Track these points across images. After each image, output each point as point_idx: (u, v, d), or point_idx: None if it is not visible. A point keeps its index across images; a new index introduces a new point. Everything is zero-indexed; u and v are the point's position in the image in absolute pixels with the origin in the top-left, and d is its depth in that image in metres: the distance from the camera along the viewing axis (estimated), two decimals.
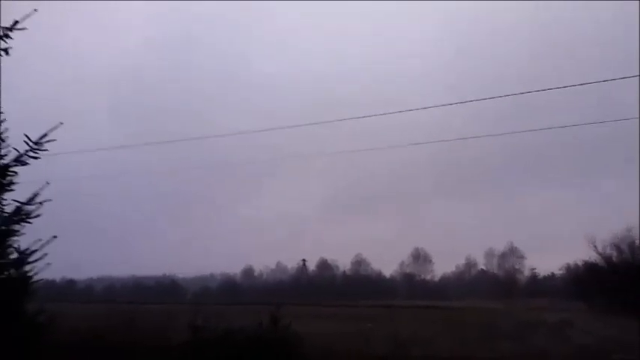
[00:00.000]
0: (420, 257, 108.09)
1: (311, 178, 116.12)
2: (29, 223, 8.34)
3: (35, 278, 8.34)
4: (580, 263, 57.11)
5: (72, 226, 71.04)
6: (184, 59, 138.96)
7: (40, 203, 8.38)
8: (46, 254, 8.25)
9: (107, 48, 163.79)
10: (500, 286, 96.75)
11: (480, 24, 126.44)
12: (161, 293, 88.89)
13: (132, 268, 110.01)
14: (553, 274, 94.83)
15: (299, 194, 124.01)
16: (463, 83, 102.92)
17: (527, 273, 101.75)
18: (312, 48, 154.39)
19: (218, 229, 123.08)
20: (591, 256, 46.45)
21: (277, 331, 12.34)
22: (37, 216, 8.39)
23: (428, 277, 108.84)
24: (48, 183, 8.50)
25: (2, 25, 8.04)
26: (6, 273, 8.11)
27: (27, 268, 8.23)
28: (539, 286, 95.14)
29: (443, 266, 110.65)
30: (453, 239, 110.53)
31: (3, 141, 8.39)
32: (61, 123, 8.61)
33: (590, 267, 48.99)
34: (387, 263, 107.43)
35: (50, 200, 8.38)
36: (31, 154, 8.40)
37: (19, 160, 8.34)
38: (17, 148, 8.32)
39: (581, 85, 17.53)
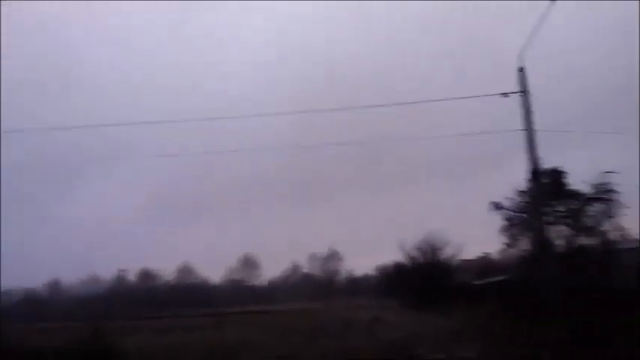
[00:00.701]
0: (248, 263, 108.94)
1: (130, 180, 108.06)
2: None
3: None
4: (389, 264, 62.98)
5: None
6: None
7: None
8: None
9: None
10: (322, 288, 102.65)
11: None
12: None
13: None
14: (367, 275, 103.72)
15: (117, 198, 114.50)
16: (290, 93, 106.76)
17: (344, 274, 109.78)
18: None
19: (17, 237, 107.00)
20: (401, 257, 51.32)
21: (95, 348, 11.24)
22: None
23: (256, 283, 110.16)
24: None
25: None
26: None
27: None
28: (357, 286, 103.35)
29: (270, 271, 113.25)
30: (281, 244, 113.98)
31: None
32: None
33: (397, 267, 54.44)
34: (215, 270, 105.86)
35: None
36: None
37: None
38: None
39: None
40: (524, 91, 14.26)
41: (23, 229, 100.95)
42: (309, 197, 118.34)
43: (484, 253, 59.70)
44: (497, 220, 22.94)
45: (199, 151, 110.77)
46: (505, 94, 14.34)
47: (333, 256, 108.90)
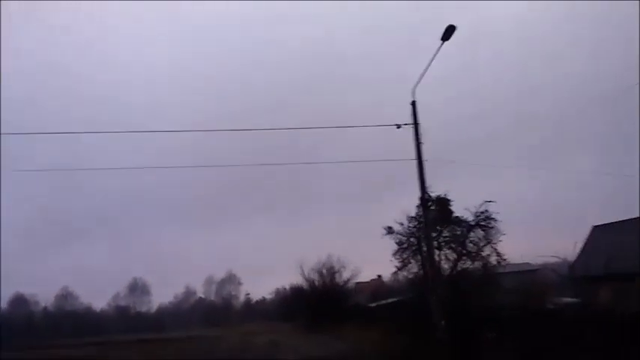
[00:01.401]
0: (137, 288, 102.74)
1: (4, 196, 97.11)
2: None
3: None
4: (288, 287, 62.95)
5: None
6: None
7: None
8: None
9: None
10: (218, 313, 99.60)
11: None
12: None
13: None
14: (264, 298, 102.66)
15: None
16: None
17: (242, 298, 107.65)
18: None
19: None
20: (299, 280, 51.50)
21: None
22: None
23: (144, 310, 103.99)
24: None
25: None
26: None
27: None
28: (253, 310, 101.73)
29: (161, 296, 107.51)
30: (173, 268, 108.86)
31: None
32: None
33: (295, 290, 54.54)
34: (99, 296, 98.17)
35: None
36: None
37: None
38: None
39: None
40: (415, 124, 15.12)
41: None
42: (207, 219, 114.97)
43: (378, 275, 61.95)
44: (390, 244, 23.87)
45: (84, 166, 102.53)
46: (398, 126, 15.11)
47: (230, 280, 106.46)
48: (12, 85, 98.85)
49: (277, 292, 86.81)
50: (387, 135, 15.50)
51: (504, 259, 21.72)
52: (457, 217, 22.40)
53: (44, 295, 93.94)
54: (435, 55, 13.90)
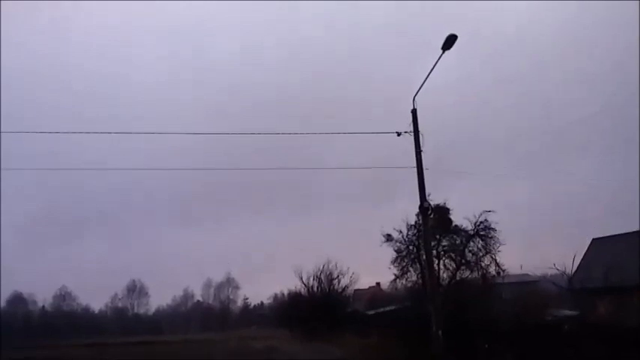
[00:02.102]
0: (135, 290, 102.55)
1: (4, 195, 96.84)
2: None
3: None
4: (286, 293, 62.63)
5: None
6: None
7: None
8: None
9: None
10: (216, 317, 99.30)
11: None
12: None
13: None
14: (262, 303, 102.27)
15: None
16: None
17: (240, 303, 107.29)
18: None
19: None
20: (297, 286, 51.22)
21: None
22: None
23: (142, 311, 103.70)
24: None
25: None
26: None
27: None
28: (251, 314, 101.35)
29: (159, 298, 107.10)
30: (172, 270, 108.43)
31: None
32: None
33: (293, 296, 54.22)
34: (97, 297, 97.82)
35: None
36: None
37: None
38: None
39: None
40: (415, 132, 15.08)
41: None
42: (206, 222, 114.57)
43: (376, 283, 61.74)
44: (389, 252, 23.83)
45: (84, 167, 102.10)
46: (398, 134, 15.09)
47: (229, 283, 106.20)
48: (12, 83, 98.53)
49: (275, 297, 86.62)
50: (388, 141, 15.46)
51: (503, 270, 21.68)
52: (456, 226, 22.40)
53: (42, 294, 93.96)
54: (435, 64, 13.92)
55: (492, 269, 21.60)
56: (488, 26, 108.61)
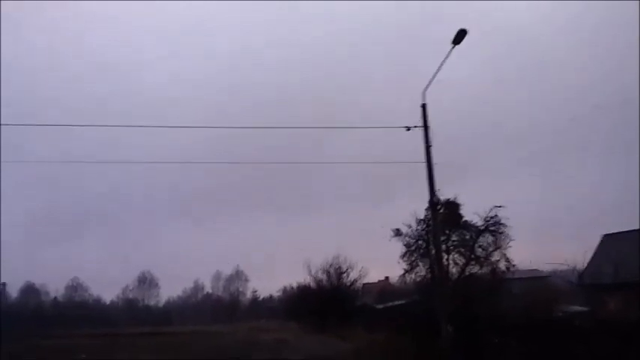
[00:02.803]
0: (146, 281, 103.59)
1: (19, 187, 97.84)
2: None
3: None
4: (295, 286, 62.89)
5: None
6: None
7: None
8: None
9: None
10: (225, 309, 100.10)
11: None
12: None
13: None
14: (271, 296, 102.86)
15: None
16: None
17: (249, 295, 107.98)
18: None
19: None
20: (306, 279, 51.41)
21: None
22: None
23: (152, 303, 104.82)
24: None
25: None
26: None
27: None
28: (260, 307, 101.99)
29: (169, 290, 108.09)
30: (183, 262, 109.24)
31: None
32: None
33: (302, 289, 54.48)
34: (109, 288, 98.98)
35: None
36: None
37: None
38: None
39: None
40: (425, 126, 15.06)
41: None
42: (216, 215, 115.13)
43: (385, 277, 61.75)
44: (398, 246, 23.82)
45: (96, 160, 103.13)
46: (408, 128, 15.07)
47: (238, 276, 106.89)
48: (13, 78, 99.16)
49: (284, 290, 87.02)
50: (397, 136, 15.45)
51: (513, 265, 21.60)
52: (466, 221, 22.31)
53: (54, 285, 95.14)
54: (445, 59, 13.86)
55: (502, 264, 21.53)
56: (489, 24, 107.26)
